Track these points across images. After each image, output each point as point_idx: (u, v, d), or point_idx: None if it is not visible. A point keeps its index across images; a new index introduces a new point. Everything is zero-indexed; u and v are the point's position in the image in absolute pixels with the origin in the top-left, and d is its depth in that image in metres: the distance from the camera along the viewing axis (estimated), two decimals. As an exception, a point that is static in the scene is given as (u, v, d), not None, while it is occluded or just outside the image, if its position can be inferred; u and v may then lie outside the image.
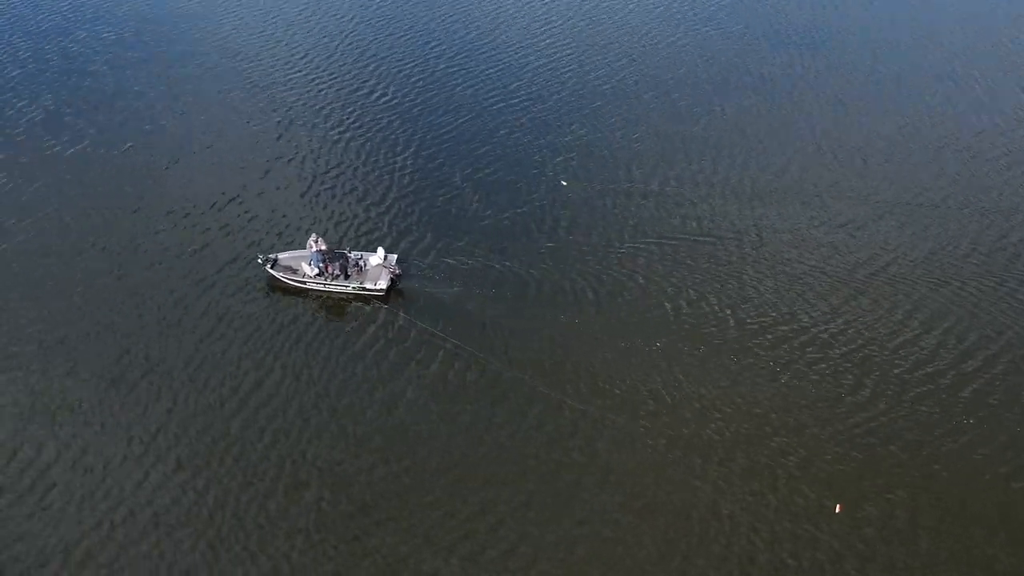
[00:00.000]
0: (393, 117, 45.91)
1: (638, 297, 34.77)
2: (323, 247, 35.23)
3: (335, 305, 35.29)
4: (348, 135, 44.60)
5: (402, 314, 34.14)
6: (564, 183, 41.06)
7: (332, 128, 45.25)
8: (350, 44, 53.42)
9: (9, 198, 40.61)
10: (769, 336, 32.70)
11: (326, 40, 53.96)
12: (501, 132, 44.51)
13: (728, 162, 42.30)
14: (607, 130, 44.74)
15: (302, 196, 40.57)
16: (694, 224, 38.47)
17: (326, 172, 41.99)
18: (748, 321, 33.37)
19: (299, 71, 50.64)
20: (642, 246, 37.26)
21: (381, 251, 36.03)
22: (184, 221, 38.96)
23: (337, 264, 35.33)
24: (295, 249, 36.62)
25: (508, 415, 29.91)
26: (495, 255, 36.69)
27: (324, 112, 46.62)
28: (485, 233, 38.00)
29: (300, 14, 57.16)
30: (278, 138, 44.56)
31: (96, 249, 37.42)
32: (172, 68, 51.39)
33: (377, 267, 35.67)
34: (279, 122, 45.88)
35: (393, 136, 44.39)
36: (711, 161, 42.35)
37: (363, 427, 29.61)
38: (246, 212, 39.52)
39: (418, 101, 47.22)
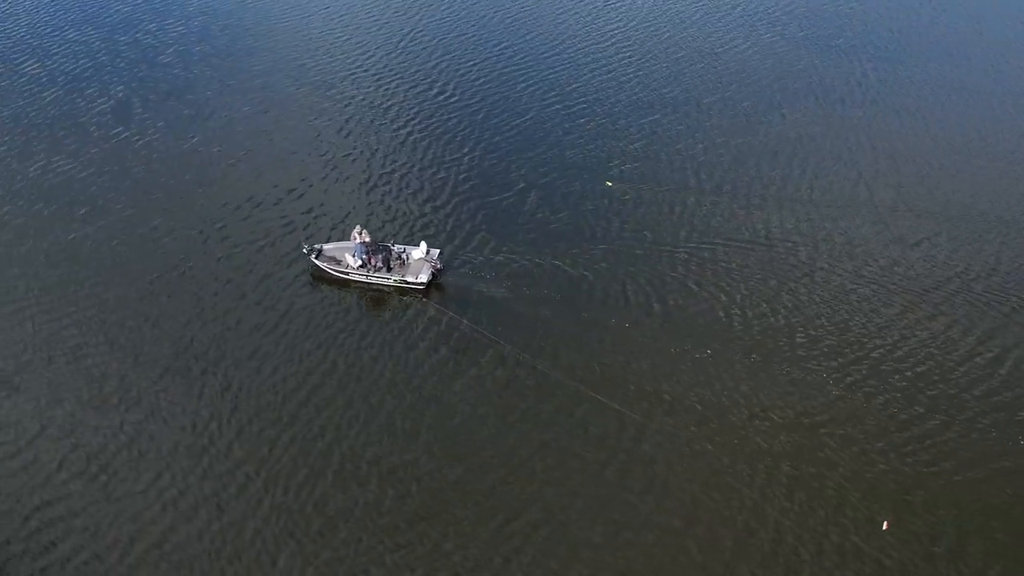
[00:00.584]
0: (454, 116, 46.51)
1: (690, 302, 34.77)
2: (367, 239, 35.95)
3: (377, 297, 35.96)
4: (409, 132, 45.28)
5: (443, 309, 34.63)
6: (609, 184, 41.33)
7: (394, 125, 45.98)
8: (415, 42, 54.24)
9: (78, 187, 41.98)
10: (822, 347, 32.59)
11: (392, 37, 54.86)
12: (559, 134, 44.83)
13: (787, 170, 42.15)
14: (666, 135, 44.81)
15: (361, 191, 41.30)
16: (750, 231, 38.41)
17: (386, 168, 42.65)
18: (801, 331, 33.28)
19: (364, 68, 51.54)
20: (697, 251, 37.25)
21: (424, 245, 36.55)
22: (246, 214, 39.91)
23: (380, 256, 35.96)
24: (340, 240, 37.43)
25: (552, 415, 30.12)
26: (546, 255, 36.95)
27: (387, 109, 47.38)
28: (537, 233, 38.29)
29: (367, 11, 58.23)
30: (341, 134, 45.40)
31: (161, 240, 38.51)
32: (238, 62, 52.73)
33: (419, 261, 36.19)
34: (342, 118, 46.73)
35: (453, 135, 44.96)
36: (770, 169, 42.23)
37: (409, 421, 30.05)
38: (307, 207, 40.32)
39: (479, 101, 47.74)
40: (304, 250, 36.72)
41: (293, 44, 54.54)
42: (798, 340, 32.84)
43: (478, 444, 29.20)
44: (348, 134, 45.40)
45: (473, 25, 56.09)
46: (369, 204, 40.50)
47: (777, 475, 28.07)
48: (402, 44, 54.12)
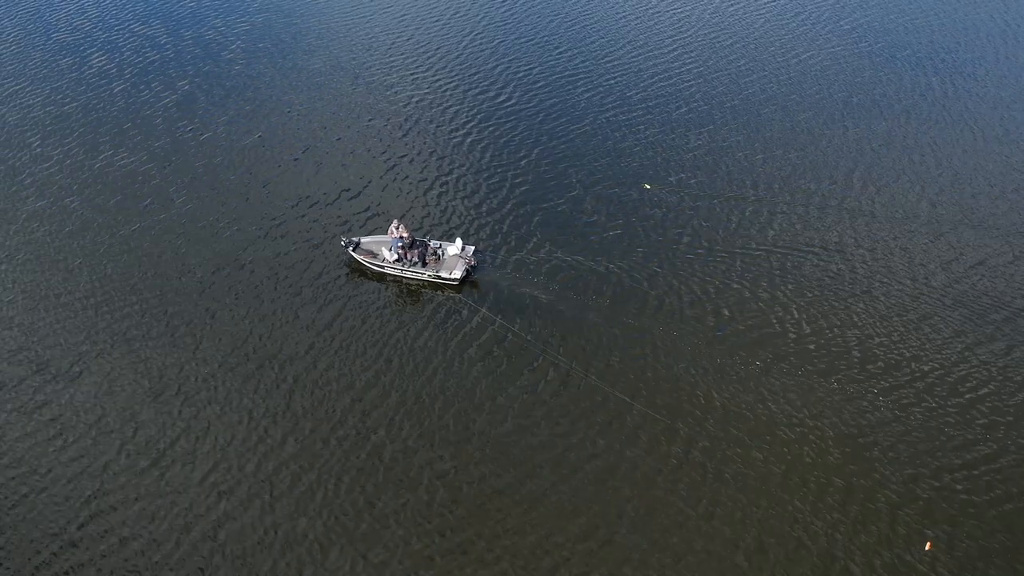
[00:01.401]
0: (512, 119, 46.85)
1: (743, 312, 34.68)
2: (404, 234, 36.57)
3: (411, 291, 36.59)
4: (466, 134, 45.74)
5: (477, 307, 35.10)
6: (647, 186, 41.54)
7: (451, 126, 46.48)
8: (476, 43, 54.75)
9: (142, 180, 43.09)
10: (877, 364, 32.32)
11: (452, 38, 55.44)
12: (616, 140, 44.90)
13: (848, 183, 41.80)
14: (724, 144, 44.68)
15: (418, 191, 41.77)
16: (808, 243, 38.14)
17: (442, 169, 43.10)
18: (856, 346, 33.02)
19: (423, 68, 52.15)
20: (753, 261, 37.13)
21: (459, 241, 37.07)
22: (303, 211, 40.64)
23: (416, 251, 36.61)
24: (378, 234, 38.20)
25: (603, 425, 30.21)
26: (597, 260, 37.12)
27: (445, 110, 47.93)
28: (590, 239, 38.45)
29: (430, 12, 58.86)
30: (399, 134, 45.99)
31: (220, 235, 39.39)
32: (299, 60, 53.63)
33: (454, 257, 36.76)
34: (401, 118, 47.34)
35: (510, 138, 45.29)
36: (830, 181, 41.91)
37: (459, 424, 30.38)
38: (364, 206, 40.95)
39: (538, 105, 48.05)
40: (342, 243, 37.59)
41: (354, 43, 55.38)
42: (853, 356, 32.64)
43: (528, 451, 29.42)
44: (406, 134, 45.98)
45: (534, 28, 56.46)
46: (425, 205, 40.99)
47: (828, 489, 27.94)
48: (462, 45, 54.66)
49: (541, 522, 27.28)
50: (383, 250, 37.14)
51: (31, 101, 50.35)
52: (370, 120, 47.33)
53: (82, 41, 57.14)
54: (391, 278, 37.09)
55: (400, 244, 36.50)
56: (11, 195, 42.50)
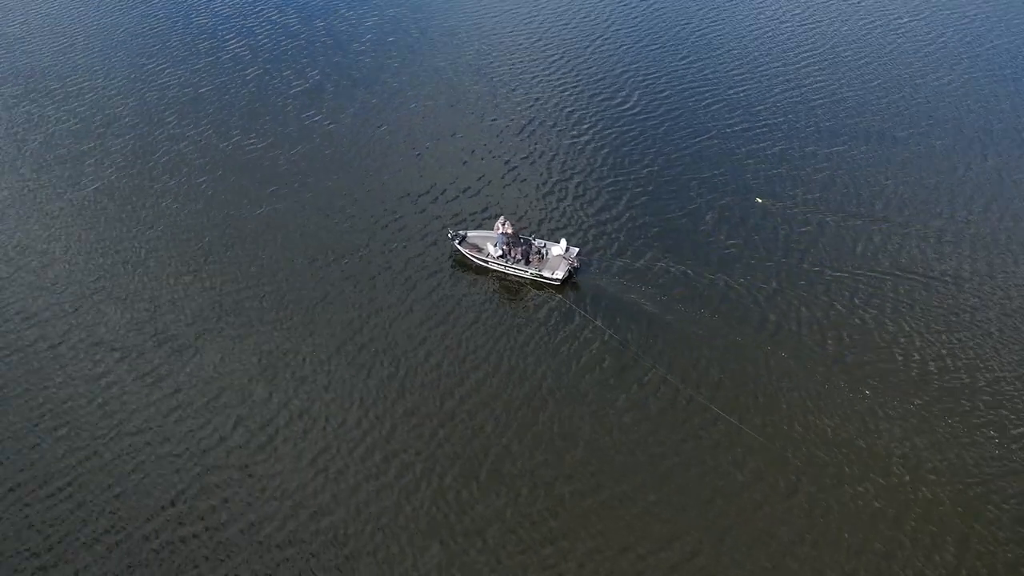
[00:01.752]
0: (635, 127, 46.43)
1: (858, 337, 33.56)
2: (509, 230, 36.79)
3: (512, 288, 36.79)
4: (588, 139, 45.50)
5: (579, 310, 35.00)
6: (759, 200, 40.77)
7: (573, 130, 46.33)
8: (603, 48, 54.46)
9: (268, 165, 44.34)
10: (1009, 410, 30.71)
11: (580, 42, 55.20)
12: (740, 155, 43.96)
13: (984, 213, 39.85)
14: (853, 165, 43.24)
15: (536, 194, 41.77)
16: (937, 270, 36.60)
17: (563, 173, 42.97)
18: (984, 388, 31.42)
19: (549, 70, 52.13)
20: (876, 286, 35.86)
21: (563, 242, 37.12)
22: (423, 207, 41.15)
23: (520, 249, 36.83)
24: (484, 229, 38.58)
25: (710, 448, 29.65)
26: (710, 274, 36.50)
27: (569, 114, 47.79)
28: (706, 252, 37.80)
29: (558, 15, 58.74)
30: (520, 135, 46.09)
31: (341, 224, 40.19)
32: (427, 56, 54.28)
33: (557, 257, 36.83)
34: (523, 119, 47.44)
35: (632, 146, 44.85)
36: (965, 210, 40.06)
37: (565, 432, 30.25)
38: (482, 205, 41.21)
39: (662, 114, 47.47)
40: (449, 235, 38.12)
41: (480, 41, 55.76)
42: (981, 397, 31.06)
43: (632, 465, 29.09)
44: (526, 134, 46.06)
45: (663, 36, 55.85)
46: (541, 207, 40.97)
47: (943, 539, 26.78)
48: (589, 49, 54.47)
49: (640, 541, 26.95)
50: (488, 245, 37.55)
51: (170, 81, 52.36)
52: (493, 120, 47.58)
53: (220, 26, 59.12)
54: (494, 273, 37.36)
55: (504, 241, 36.80)
56: (147, 171, 44.26)
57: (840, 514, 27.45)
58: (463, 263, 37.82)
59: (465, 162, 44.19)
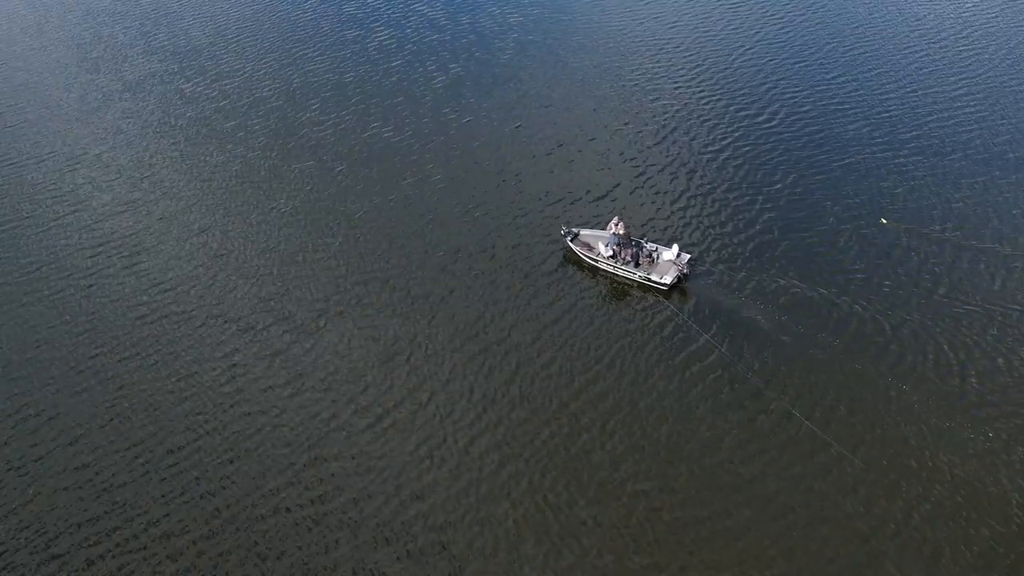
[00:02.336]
0: (773, 142, 45.62)
1: (992, 378, 32.09)
2: (621, 231, 36.90)
3: (619, 289, 36.86)
4: (723, 152, 44.92)
5: (697, 329, 34.56)
6: (884, 221, 39.65)
7: (710, 141, 45.85)
8: (748, 60, 53.62)
9: (403, 154, 45.57)
10: None
11: (723, 52, 54.61)
12: (879, 178, 42.52)
13: None
14: (1001, 198, 41.06)
15: (665, 202, 41.52)
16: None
17: (692, 183, 42.64)
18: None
19: (690, 78, 51.75)
20: (1015, 325, 34.24)
21: (675, 247, 36.95)
22: (550, 206, 41.54)
23: (630, 251, 36.87)
24: (598, 228, 38.80)
25: (817, 473, 28.99)
26: (839, 296, 35.56)
27: (705, 124, 47.33)
28: (836, 275, 36.78)
29: (702, 23, 58.31)
30: (654, 142, 45.87)
31: (467, 219, 40.92)
32: (566, 57, 54.63)
33: (667, 262, 36.66)
34: (659, 126, 47.21)
35: (768, 161, 44.12)
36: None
37: (671, 444, 30.15)
38: (608, 209, 41.26)
39: (803, 131, 46.45)
40: (562, 231, 38.43)
41: (620, 45, 55.75)
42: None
43: (736, 485, 28.74)
44: (660, 142, 45.85)
45: (811, 50, 54.67)
46: (667, 215, 40.69)
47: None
48: (731, 59, 53.81)
49: (738, 562, 26.63)
50: (599, 244, 37.75)
51: (316, 68, 54.39)
52: (626, 123, 47.55)
53: (369, 16, 60.99)
54: (603, 273, 37.54)
55: (616, 241, 36.97)
56: (287, 152, 46.14)
57: (952, 555, 26.50)
58: (574, 261, 38.21)
59: (597, 165, 44.33)
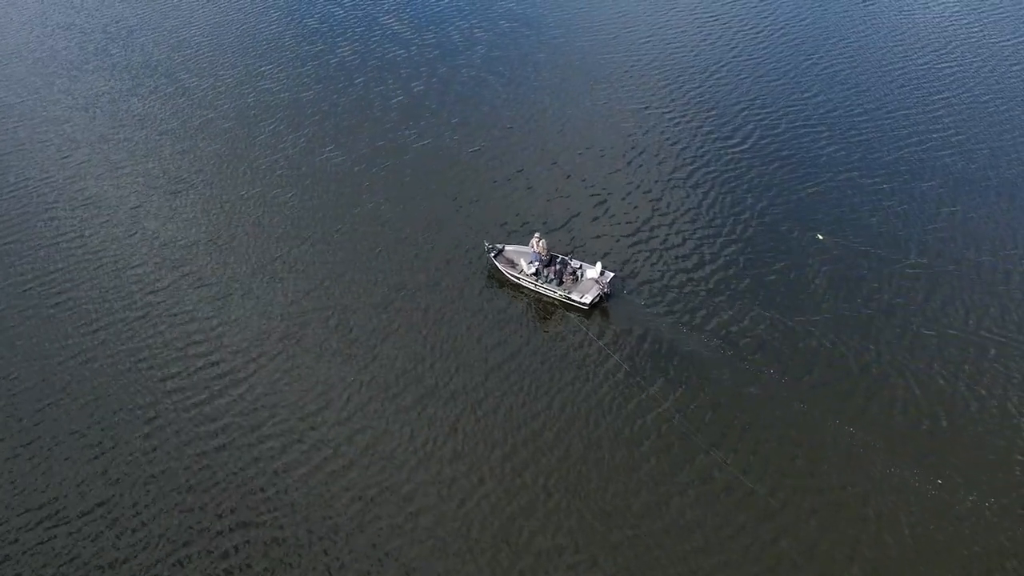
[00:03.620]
0: (743, 165, 43.80)
1: (962, 421, 30.19)
2: (541, 249, 36.42)
3: (543, 307, 36.10)
4: (690, 176, 43.14)
5: (603, 346, 33.66)
6: (820, 237, 38.78)
7: (677, 165, 44.08)
8: (722, 78, 51.77)
9: (355, 180, 44.07)
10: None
11: (697, 70, 52.83)
12: (855, 204, 40.84)
13: None
14: (977, 227, 39.86)
15: (624, 231, 39.89)
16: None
17: (655, 212, 40.92)
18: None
19: (660, 98, 50.09)
20: (992, 361, 32.53)
21: (599, 265, 36.21)
22: (509, 234, 40.01)
23: (554, 268, 36.34)
24: (522, 244, 38.06)
25: (748, 536, 27.20)
26: (792, 326, 34.03)
27: (676, 147, 45.51)
28: (794, 302, 35.08)
29: (675, 40, 56.65)
30: (619, 167, 44.18)
31: (422, 247, 39.29)
32: (534, 75, 53.07)
33: (590, 280, 35.98)
34: (624, 149, 45.54)
35: (736, 186, 42.33)
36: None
37: (535, 465, 28.61)
38: (568, 238, 39.79)
39: (775, 153, 44.67)
40: (486, 247, 37.67)
41: (591, 63, 54.13)
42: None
43: (653, 545, 27.13)
44: (624, 167, 44.15)
45: (786, 67, 52.87)
46: (630, 245, 39.03)
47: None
48: (706, 76, 51.88)
49: None
50: (522, 261, 37.11)
51: (273, 85, 53.10)
52: (588, 148, 45.79)
53: (333, 30, 59.72)
54: (525, 291, 36.80)
55: (538, 259, 36.53)
56: (234, 179, 44.67)
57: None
58: (498, 278, 37.40)
59: (558, 191, 42.65)
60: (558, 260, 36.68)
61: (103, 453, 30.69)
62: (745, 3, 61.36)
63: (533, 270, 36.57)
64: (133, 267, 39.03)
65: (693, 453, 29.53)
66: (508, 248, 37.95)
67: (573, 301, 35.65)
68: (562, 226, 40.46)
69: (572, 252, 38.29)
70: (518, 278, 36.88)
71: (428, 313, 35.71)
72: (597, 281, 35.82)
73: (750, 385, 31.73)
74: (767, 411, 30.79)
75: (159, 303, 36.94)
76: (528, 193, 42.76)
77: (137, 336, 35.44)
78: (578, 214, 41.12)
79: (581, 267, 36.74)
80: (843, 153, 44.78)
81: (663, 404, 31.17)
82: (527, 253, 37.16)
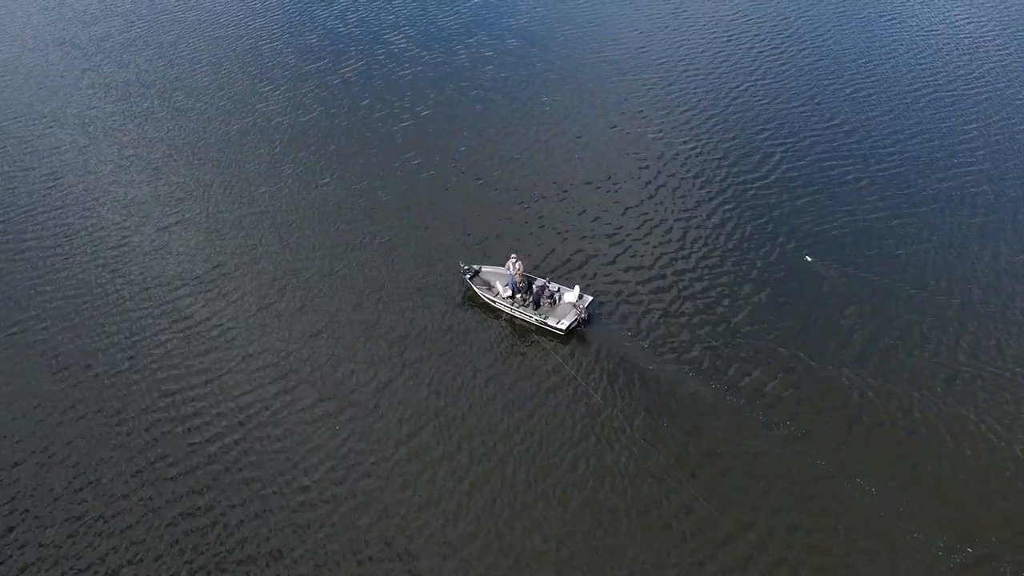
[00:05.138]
0: (766, 199, 42.46)
1: (948, 466, 29.09)
2: (516, 275, 35.89)
3: (519, 331, 35.52)
4: (706, 209, 41.94)
5: (576, 377, 33.01)
6: (808, 259, 37.96)
7: (693, 202, 42.54)
8: (744, 103, 50.49)
9: (354, 213, 43.16)
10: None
11: (719, 94, 51.55)
12: (891, 247, 38.97)
13: None
14: (990, 240, 38.69)
15: (632, 261, 38.84)
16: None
17: (664, 248, 39.61)
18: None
19: (679, 124, 48.81)
20: (971, 388, 31.36)
21: (577, 289, 35.58)
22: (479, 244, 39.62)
23: (530, 293, 35.76)
24: (499, 265, 37.56)
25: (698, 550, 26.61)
26: (776, 360, 33.13)
27: (688, 177, 44.33)
28: (799, 343, 34.01)
29: (695, 61, 55.32)
30: (638, 198, 42.96)
31: (414, 293, 38.18)
32: (541, 98, 52.15)
33: (567, 305, 35.29)
34: (645, 180, 44.23)
35: (758, 219, 41.00)
36: None
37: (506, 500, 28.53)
38: (551, 252, 39.25)
39: (801, 186, 43.20)
40: (462, 268, 37.19)
41: (604, 86, 53.02)
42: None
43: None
44: (645, 200, 42.76)
45: (813, 92, 51.21)
46: (621, 271, 38.18)
47: None
48: (727, 102, 50.63)
49: None
50: (498, 283, 36.60)
51: (273, 108, 52.56)
52: (607, 179, 44.37)
53: (336, 48, 59.26)
54: (502, 314, 36.27)
55: (514, 282, 36.03)
56: (229, 218, 43.28)
57: None
58: (474, 299, 36.90)
59: (564, 224, 41.53)
60: (535, 283, 36.02)
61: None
62: (764, 22, 59.96)
63: (509, 293, 36.01)
64: (110, 315, 37.78)
65: (668, 493, 28.81)
66: (485, 269, 37.39)
67: (549, 327, 34.98)
68: (568, 256, 39.57)
69: (550, 274, 37.60)
70: (494, 301, 36.32)
71: (400, 339, 35.15)
72: (575, 305, 35.13)
73: (732, 421, 30.97)
74: (752, 459, 29.78)
75: (145, 354, 35.51)
76: (540, 222, 41.73)
77: (119, 390, 34.30)
78: (580, 251, 40.03)
79: (559, 290, 36.08)
80: (876, 187, 42.96)
81: (638, 443, 30.36)
82: (503, 275, 36.56)
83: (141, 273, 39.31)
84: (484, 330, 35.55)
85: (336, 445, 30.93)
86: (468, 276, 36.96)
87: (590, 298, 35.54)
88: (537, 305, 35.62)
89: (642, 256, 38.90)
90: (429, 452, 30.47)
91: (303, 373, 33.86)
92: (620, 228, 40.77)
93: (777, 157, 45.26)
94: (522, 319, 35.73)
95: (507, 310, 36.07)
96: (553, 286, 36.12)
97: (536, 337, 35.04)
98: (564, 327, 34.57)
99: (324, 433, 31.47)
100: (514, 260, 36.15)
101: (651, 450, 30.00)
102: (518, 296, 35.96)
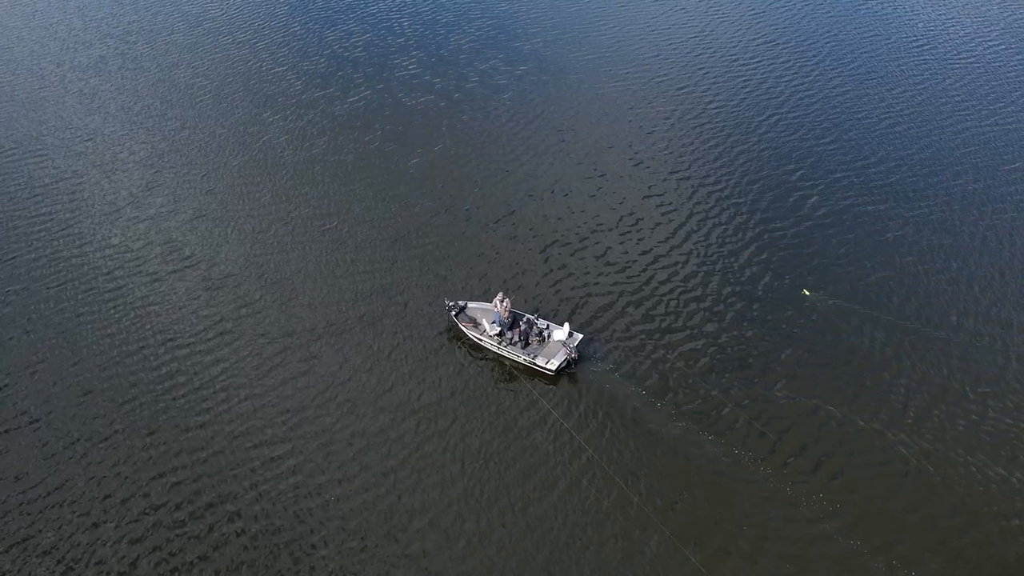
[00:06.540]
0: (747, 223, 41.94)
1: (953, 502, 28.46)
2: (504, 312, 35.11)
3: (506, 372, 34.60)
4: (686, 242, 41.18)
5: (564, 415, 32.28)
6: (806, 292, 37.23)
7: (674, 234, 41.84)
8: (738, 139, 49.49)
9: (358, 252, 42.15)
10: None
11: (739, 127, 50.70)
12: (903, 280, 38.22)
13: None
14: (984, 268, 37.86)
15: (616, 292, 38.24)
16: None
17: (649, 277, 39.02)
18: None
19: (687, 157, 48.01)
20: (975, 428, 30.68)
21: (567, 327, 34.70)
22: (489, 287, 38.66)
23: (518, 330, 34.89)
24: (485, 301, 36.90)
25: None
26: (767, 396, 32.46)
27: (681, 199, 43.88)
28: (774, 370, 33.53)
29: (707, 93, 54.43)
30: (637, 237, 42.04)
31: (392, 292, 38.22)
32: (555, 126, 51.28)
33: (557, 343, 34.42)
34: (622, 213, 43.50)
35: (732, 255, 40.20)
36: None
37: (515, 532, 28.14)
38: (552, 296, 38.24)
39: (796, 212, 42.58)
40: (447, 305, 36.37)
41: (616, 118, 52.23)
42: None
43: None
44: (627, 234, 42.06)
45: (841, 121, 50.20)
46: (609, 305, 37.53)
47: None
48: (752, 131, 49.83)
49: None
50: (484, 321, 35.83)
51: (276, 138, 52.22)
52: (597, 218, 43.39)
53: (346, 72, 58.33)
54: (488, 352, 35.41)
55: (501, 320, 35.28)
56: (219, 265, 42.61)
57: None
58: (459, 337, 36.17)
59: (547, 246, 41.03)
60: (523, 320, 35.22)
61: None
62: (789, 46, 58.42)
63: (496, 331, 35.14)
64: (100, 338, 37.43)
65: (648, 537, 28.26)
66: (471, 305, 36.61)
67: (539, 367, 34.03)
68: (554, 283, 39.06)
69: (538, 310, 36.88)
70: (480, 339, 35.47)
71: (382, 378, 34.45)
72: (565, 344, 34.23)
73: (720, 470, 30.22)
74: (739, 508, 29.05)
75: (140, 428, 33.89)
76: (527, 244, 41.15)
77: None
78: (583, 285, 39.25)
79: (548, 327, 35.24)
80: (913, 231, 41.55)
81: (632, 500, 29.49)
82: (490, 312, 35.82)
83: (137, 329, 38.00)
84: (469, 371, 34.65)
85: (310, 482, 30.53)
86: (454, 313, 36.15)
87: (580, 336, 34.68)
88: (526, 343, 34.73)
89: (631, 293, 38.08)
90: (405, 497, 29.89)
91: (272, 415, 33.13)
92: (613, 264, 40.01)
93: (788, 192, 44.47)
94: (510, 358, 34.87)
95: (494, 348, 35.23)
96: (542, 323, 35.40)
97: (524, 379, 34.05)
98: (554, 368, 33.64)
99: (303, 483, 30.86)
100: (501, 298, 35.43)
101: (648, 510, 29.12)
102: (506, 333, 35.09)
